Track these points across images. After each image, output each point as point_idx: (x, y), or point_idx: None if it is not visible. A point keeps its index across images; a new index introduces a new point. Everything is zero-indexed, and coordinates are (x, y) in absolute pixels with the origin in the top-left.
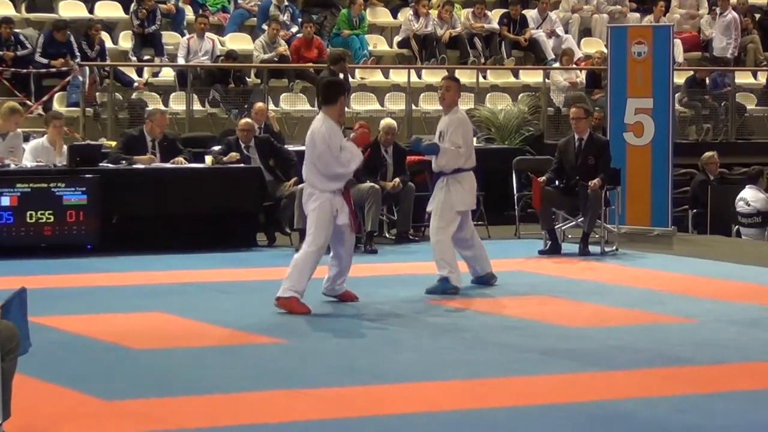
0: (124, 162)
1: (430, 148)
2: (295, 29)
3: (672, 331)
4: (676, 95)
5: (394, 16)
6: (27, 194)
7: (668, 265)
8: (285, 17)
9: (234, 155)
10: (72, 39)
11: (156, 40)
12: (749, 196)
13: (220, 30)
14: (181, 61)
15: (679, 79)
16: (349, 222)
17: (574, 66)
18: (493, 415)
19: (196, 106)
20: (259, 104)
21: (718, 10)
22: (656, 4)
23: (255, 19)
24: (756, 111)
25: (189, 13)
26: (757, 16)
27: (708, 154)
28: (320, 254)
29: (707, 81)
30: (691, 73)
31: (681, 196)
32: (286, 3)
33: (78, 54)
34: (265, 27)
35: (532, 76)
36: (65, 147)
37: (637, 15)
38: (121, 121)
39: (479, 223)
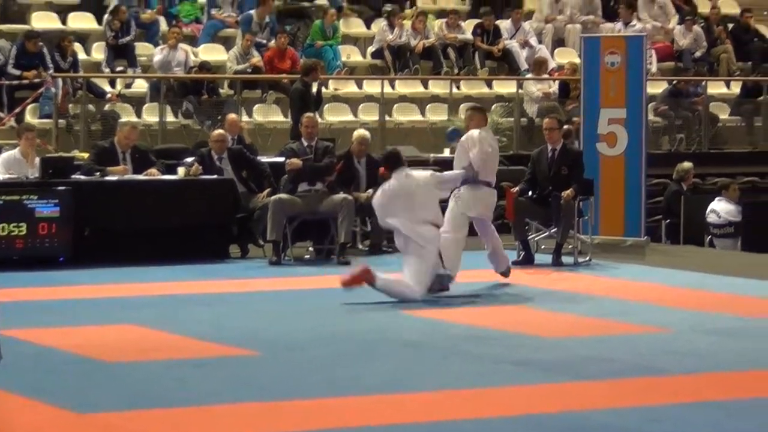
0: (97, 174)
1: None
2: (273, 43)
3: (645, 341)
4: (650, 105)
5: (368, 27)
6: None
7: (641, 275)
8: (265, 33)
9: (197, 168)
10: (45, 50)
11: (129, 51)
12: (720, 208)
13: (193, 41)
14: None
15: (653, 89)
16: None
17: (548, 76)
18: (467, 426)
19: (169, 117)
20: (232, 115)
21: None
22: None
23: (228, 30)
24: (729, 121)
25: (162, 25)
26: (730, 26)
27: (686, 165)
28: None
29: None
30: (666, 84)
31: (654, 206)
32: (267, 19)
33: (51, 65)
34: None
35: (505, 87)
36: (38, 159)
37: (611, 25)
38: (94, 133)
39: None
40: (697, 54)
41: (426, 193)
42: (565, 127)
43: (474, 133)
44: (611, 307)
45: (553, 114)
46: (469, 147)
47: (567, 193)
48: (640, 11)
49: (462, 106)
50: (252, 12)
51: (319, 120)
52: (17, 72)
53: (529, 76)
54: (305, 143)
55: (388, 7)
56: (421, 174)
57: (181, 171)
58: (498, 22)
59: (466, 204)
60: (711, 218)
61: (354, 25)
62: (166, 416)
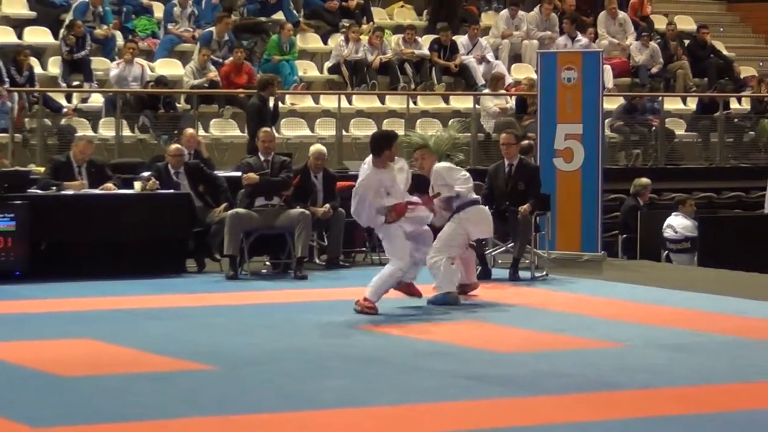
0: (53, 188)
1: None
2: (230, 59)
3: (602, 356)
4: (606, 121)
5: (325, 42)
6: None
7: (598, 290)
8: (222, 51)
9: (154, 183)
10: (0, 64)
11: (85, 65)
12: (676, 223)
13: (149, 56)
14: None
15: (609, 105)
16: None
17: (504, 92)
18: None
19: (126, 131)
20: (190, 130)
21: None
22: (585, 30)
23: (185, 44)
24: (685, 137)
25: (119, 39)
26: (687, 42)
27: (644, 181)
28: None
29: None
30: (622, 99)
31: (611, 221)
32: (226, 37)
33: (7, 79)
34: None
35: (462, 102)
36: None
37: (568, 42)
38: (50, 147)
39: None
40: (654, 70)
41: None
42: (526, 142)
43: (438, 167)
44: (568, 321)
45: (510, 129)
46: (446, 179)
47: (524, 208)
48: (599, 27)
49: (418, 121)
50: (212, 29)
51: (276, 135)
52: None
53: (485, 91)
54: (262, 158)
55: (345, 23)
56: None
57: (137, 185)
58: (455, 37)
59: (474, 226)
60: (667, 233)
61: (311, 41)
62: (121, 430)
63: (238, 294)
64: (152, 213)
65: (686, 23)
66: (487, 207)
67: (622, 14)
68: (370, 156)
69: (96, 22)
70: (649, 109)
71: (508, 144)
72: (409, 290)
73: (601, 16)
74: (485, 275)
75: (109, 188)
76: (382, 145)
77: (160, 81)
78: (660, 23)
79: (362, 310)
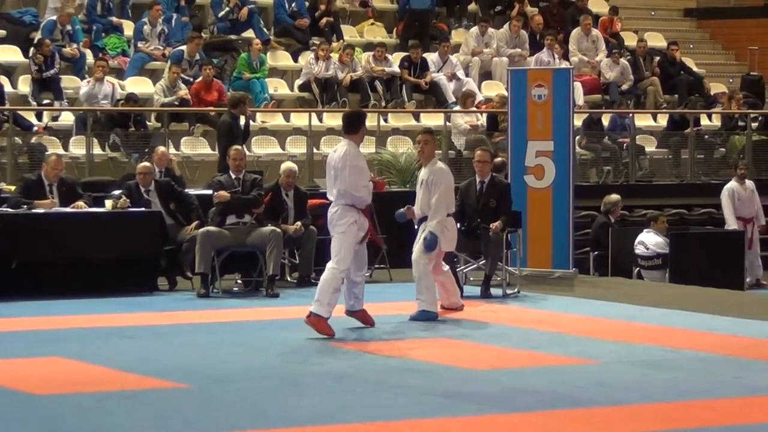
0: (24, 206)
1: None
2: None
3: (574, 373)
4: (577, 138)
5: (295, 60)
6: None
7: (570, 307)
8: (193, 70)
9: (125, 201)
10: None
11: (55, 84)
12: (648, 240)
13: (120, 74)
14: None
15: (580, 122)
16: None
17: (475, 109)
18: None
19: (97, 150)
20: (161, 148)
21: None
22: (554, 48)
23: (155, 63)
24: (656, 153)
25: (89, 57)
26: (657, 58)
27: (614, 198)
28: (344, 275)
29: (605, 122)
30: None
31: (582, 238)
32: (197, 56)
33: None
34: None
35: (433, 119)
36: None
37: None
38: (21, 166)
39: (381, 266)
40: (624, 87)
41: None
42: (499, 159)
43: (443, 167)
44: (540, 338)
45: (485, 147)
46: (442, 182)
47: (495, 225)
48: (571, 44)
49: (389, 138)
50: (183, 48)
51: (247, 153)
52: None
53: (456, 108)
54: (233, 176)
55: (315, 41)
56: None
57: (108, 203)
58: (425, 54)
59: (445, 240)
60: (639, 250)
61: (281, 58)
62: None
63: (209, 312)
64: (123, 231)
65: (656, 40)
66: (458, 224)
67: (595, 31)
68: (344, 141)
69: (65, 40)
70: (620, 125)
71: (483, 161)
72: (364, 318)
73: (574, 33)
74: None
75: (80, 206)
76: (359, 122)
77: (130, 98)
78: (630, 40)
79: (318, 331)
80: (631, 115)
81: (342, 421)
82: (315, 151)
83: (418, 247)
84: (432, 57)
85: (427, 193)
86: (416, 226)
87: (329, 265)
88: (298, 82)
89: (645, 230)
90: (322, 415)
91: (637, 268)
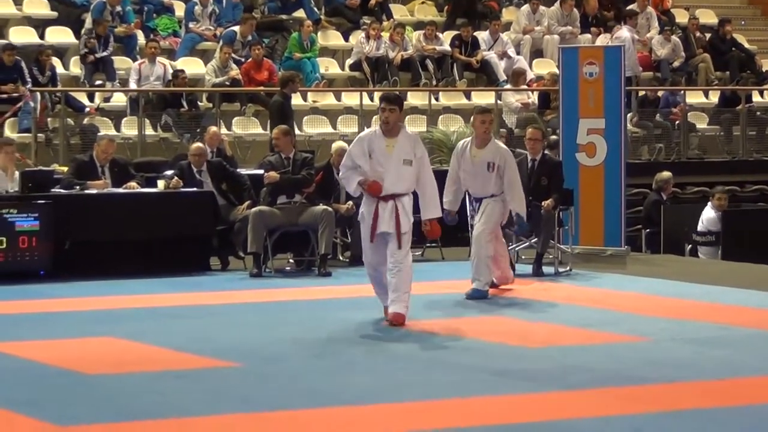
0: (77, 187)
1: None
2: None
3: (626, 351)
4: (628, 115)
5: (346, 39)
6: None
7: (622, 284)
8: (246, 50)
9: (177, 181)
10: (23, 64)
11: (107, 65)
12: (704, 216)
13: (171, 54)
14: (132, 86)
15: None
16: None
17: (526, 87)
18: None
19: (148, 130)
20: (213, 128)
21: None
22: (611, 27)
23: (206, 43)
24: (708, 130)
25: (140, 38)
26: (708, 35)
27: (666, 175)
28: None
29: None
30: (644, 93)
31: (634, 215)
32: (250, 37)
33: (29, 79)
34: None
35: (484, 98)
36: (17, 173)
37: (589, 36)
38: (73, 147)
39: (433, 245)
40: (676, 64)
41: None
42: (553, 137)
43: (505, 146)
44: (592, 316)
45: (536, 125)
46: (512, 161)
47: (547, 203)
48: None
49: (440, 117)
50: (235, 29)
51: (298, 132)
52: None
53: (507, 87)
54: (283, 156)
55: (366, 20)
56: None
57: (160, 184)
58: (476, 33)
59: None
60: (699, 226)
61: (332, 38)
62: (147, 428)
63: (262, 291)
64: (176, 211)
65: (708, 16)
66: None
67: (649, 8)
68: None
69: (116, 21)
70: (672, 102)
71: (535, 139)
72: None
73: (628, 11)
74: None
75: (133, 187)
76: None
77: (177, 75)
78: (682, 17)
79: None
80: (682, 92)
81: (394, 400)
82: (366, 130)
83: (481, 223)
84: (483, 35)
85: (492, 175)
86: (471, 206)
87: None
88: (348, 61)
89: (708, 205)
90: (374, 394)
91: (689, 245)
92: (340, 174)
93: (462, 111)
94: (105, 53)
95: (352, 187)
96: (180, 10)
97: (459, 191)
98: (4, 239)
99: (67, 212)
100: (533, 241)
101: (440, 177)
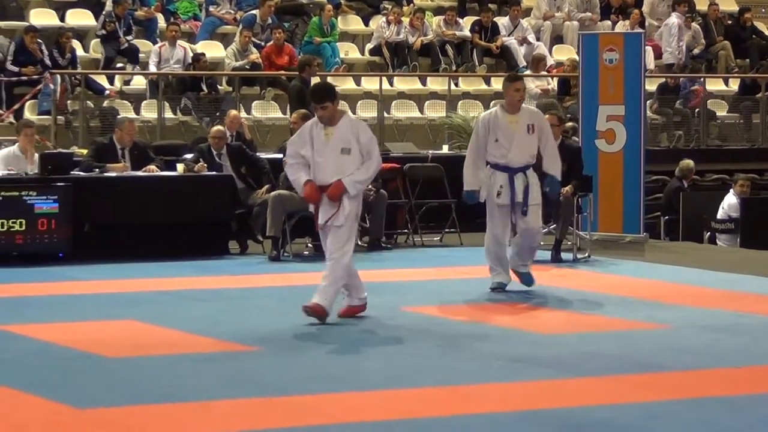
0: (96, 170)
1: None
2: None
3: (645, 338)
4: (648, 102)
5: (366, 24)
6: None
7: (641, 271)
8: (265, 35)
9: (202, 165)
10: (43, 47)
11: (132, 51)
12: (725, 203)
13: (191, 38)
14: (152, 69)
15: (651, 86)
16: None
17: (546, 73)
18: (465, 422)
19: (168, 113)
20: (233, 112)
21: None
22: (629, 13)
23: (227, 26)
24: (728, 118)
25: (161, 21)
26: (728, 23)
27: (690, 163)
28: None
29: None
30: (663, 80)
31: (653, 202)
32: (269, 21)
33: (49, 62)
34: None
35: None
36: (36, 155)
37: (608, 23)
38: (93, 130)
39: (451, 230)
40: (696, 51)
41: None
42: (570, 123)
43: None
44: (610, 303)
45: (553, 111)
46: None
47: (566, 189)
48: (644, 7)
49: (460, 102)
50: (255, 12)
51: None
52: (16, 68)
53: (527, 72)
54: None
55: (386, 4)
56: None
57: (180, 167)
58: (496, 19)
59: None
60: (719, 213)
61: (352, 22)
62: (165, 411)
63: (280, 275)
64: (195, 195)
65: (728, 4)
66: None
67: None
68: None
69: (137, 4)
70: (691, 90)
71: (553, 125)
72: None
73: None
74: None
75: (152, 170)
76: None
77: (197, 59)
78: (702, 4)
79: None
80: (702, 79)
81: (411, 385)
82: (386, 115)
83: (535, 218)
84: (503, 21)
85: (533, 137)
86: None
87: None
88: (369, 46)
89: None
90: (391, 379)
91: (708, 233)
92: (285, 166)
93: (481, 96)
94: (129, 37)
95: (297, 183)
96: None
97: (482, 168)
98: (24, 221)
99: (87, 195)
100: (552, 227)
101: (458, 161)
